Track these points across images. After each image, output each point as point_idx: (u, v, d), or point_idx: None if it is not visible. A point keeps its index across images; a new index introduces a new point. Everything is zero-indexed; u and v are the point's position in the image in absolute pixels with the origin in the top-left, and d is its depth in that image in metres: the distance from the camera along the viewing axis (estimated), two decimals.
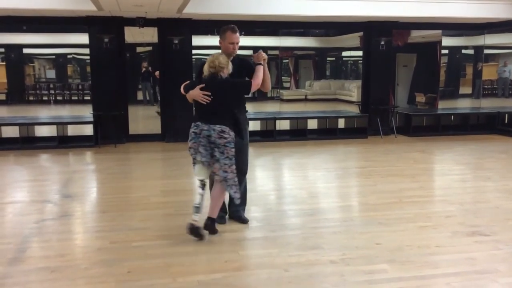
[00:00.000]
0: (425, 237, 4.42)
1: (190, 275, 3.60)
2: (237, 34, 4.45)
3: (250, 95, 4.67)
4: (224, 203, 4.66)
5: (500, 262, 3.85)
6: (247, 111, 4.71)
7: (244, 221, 4.76)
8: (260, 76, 4.40)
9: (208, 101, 4.23)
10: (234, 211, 4.83)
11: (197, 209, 4.29)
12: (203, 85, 4.26)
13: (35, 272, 3.70)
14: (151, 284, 3.45)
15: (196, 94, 4.28)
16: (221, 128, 4.20)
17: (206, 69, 4.29)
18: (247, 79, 4.49)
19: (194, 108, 4.50)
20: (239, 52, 4.60)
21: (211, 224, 4.37)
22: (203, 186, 4.34)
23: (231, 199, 4.73)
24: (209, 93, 4.22)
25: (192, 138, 4.26)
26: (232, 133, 4.25)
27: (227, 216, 4.85)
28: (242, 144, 4.57)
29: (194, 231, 4.26)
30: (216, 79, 4.26)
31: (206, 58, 4.37)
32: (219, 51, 4.49)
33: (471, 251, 4.08)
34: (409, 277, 3.57)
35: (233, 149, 4.23)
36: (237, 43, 4.46)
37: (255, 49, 4.79)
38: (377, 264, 3.79)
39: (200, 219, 4.31)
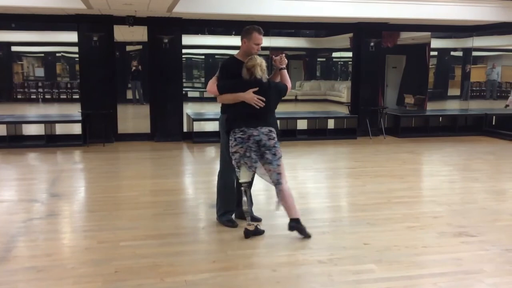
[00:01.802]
0: (412, 238, 4.45)
1: (178, 275, 3.59)
2: (262, 35, 4.46)
3: None
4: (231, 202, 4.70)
5: (486, 262, 3.88)
6: None
7: (257, 219, 4.73)
8: (289, 80, 4.51)
9: (262, 106, 4.23)
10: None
11: (247, 213, 4.40)
12: (257, 88, 4.24)
13: (21, 271, 3.66)
14: (139, 284, 3.44)
15: (250, 97, 4.24)
16: (268, 129, 4.25)
17: (258, 72, 4.23)
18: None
19: (226, 109, 4.47)
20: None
21: (297, 225, 4.37)
22: (247, 189, 4.41)
23: (239, 199, 4.73)
24: (263, 98, 4.23)
25: (239, 143, 4.23)
26: (274, 134, 4.30)
27: (232, 216, 4.81)
28: None
29: (248, 235, 4.35)
30: (267, 83, 4.30)
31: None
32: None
33: (458, 251, 4.12)
34: (396, 277, 3.59)
35: (280, 149, 4.28)
36: (260, 45, 4.49)
37: None
38: (364, 264, 3.81)
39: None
